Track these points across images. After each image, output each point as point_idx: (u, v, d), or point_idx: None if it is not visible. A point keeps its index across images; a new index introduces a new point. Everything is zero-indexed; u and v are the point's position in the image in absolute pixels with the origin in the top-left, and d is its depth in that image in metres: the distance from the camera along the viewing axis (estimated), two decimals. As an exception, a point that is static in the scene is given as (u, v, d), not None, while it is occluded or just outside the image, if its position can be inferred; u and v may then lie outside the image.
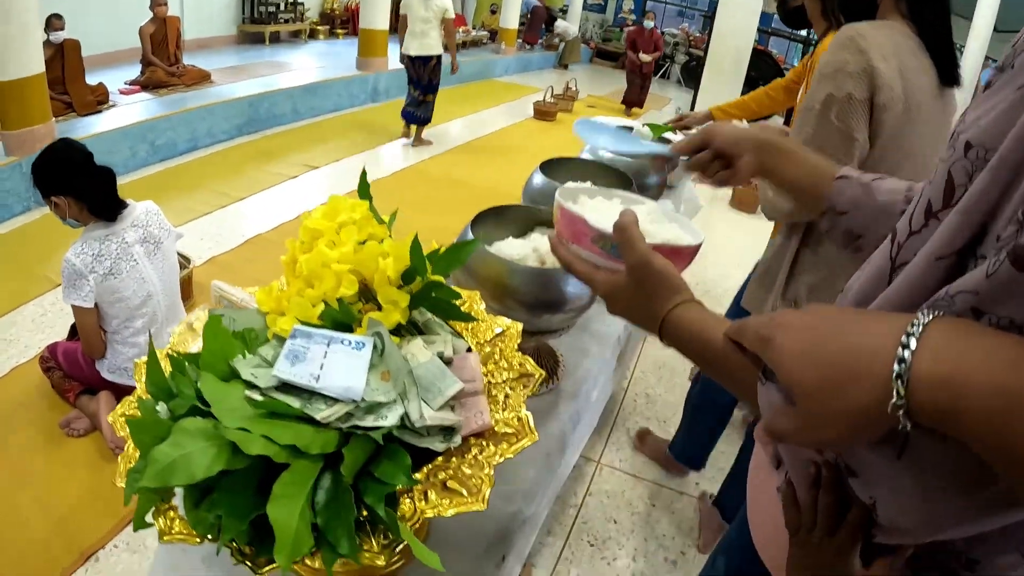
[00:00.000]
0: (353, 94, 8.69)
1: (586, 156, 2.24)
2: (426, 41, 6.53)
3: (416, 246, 0.94)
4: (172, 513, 0.79)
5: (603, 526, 2.59)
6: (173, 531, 0.77)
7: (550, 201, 1.07)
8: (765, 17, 10.48)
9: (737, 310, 2.16)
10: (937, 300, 0.51)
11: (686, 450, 2.71)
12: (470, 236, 1.40)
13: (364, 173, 1.13)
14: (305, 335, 0.84)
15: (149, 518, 0.78)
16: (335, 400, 0.79)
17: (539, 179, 1.89)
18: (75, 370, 2.72)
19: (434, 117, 7.24)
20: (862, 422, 0.48)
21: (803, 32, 12.41)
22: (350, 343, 0.83)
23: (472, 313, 1.08)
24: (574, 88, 10.77)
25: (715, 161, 1.07)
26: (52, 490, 2.45)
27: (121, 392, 2.55)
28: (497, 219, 1.57)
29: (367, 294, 0.97)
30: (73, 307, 2.46)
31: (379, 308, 0.93)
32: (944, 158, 0.60)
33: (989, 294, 0.47)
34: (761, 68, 10.37)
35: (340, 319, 0.90)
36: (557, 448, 1.43)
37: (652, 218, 0.93)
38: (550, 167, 1.99)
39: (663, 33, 15.98)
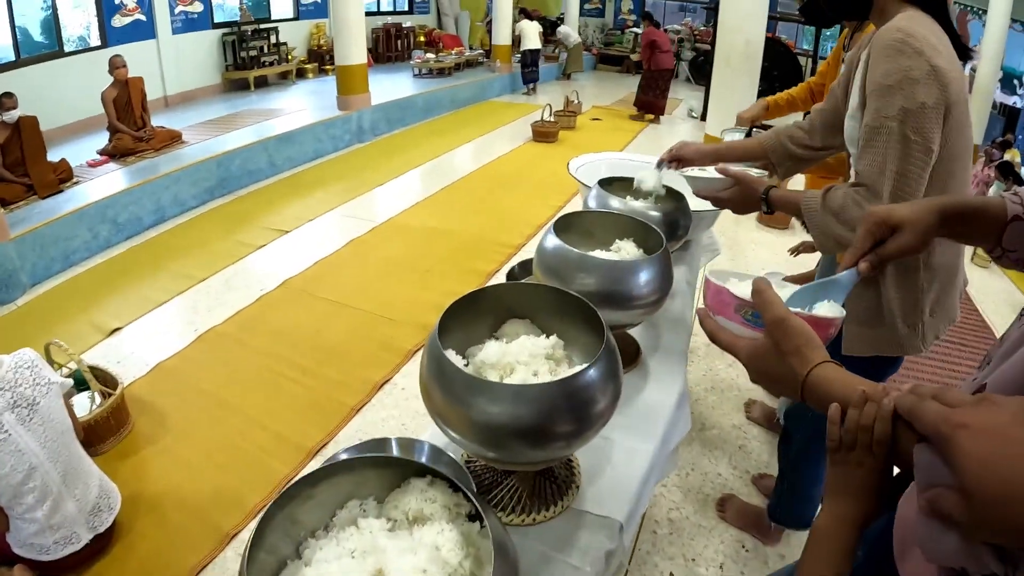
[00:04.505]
0: (336, 136, 8.15)
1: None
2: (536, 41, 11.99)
3: None
4: None
5: None
6: None
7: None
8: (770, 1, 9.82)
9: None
10: None
11: (795, 510, 2.40)
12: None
13: None
14: None
15: None
16: None
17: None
18: None
19: (428, 152, 8.23)
20: None
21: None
22: None
23: None
24: (576, 100, 10.20)
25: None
26: None
27: (35, 567, 2.24)
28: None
29: None
30: None
31: None
32: None
33: None
34: (771, 56, 9.71)
35: None
36: None
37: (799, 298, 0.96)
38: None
39: (666, 30, 15.55)
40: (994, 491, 0.52)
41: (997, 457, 0.52)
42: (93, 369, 3.15)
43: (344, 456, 1.20)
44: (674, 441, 1.69)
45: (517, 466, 1.10)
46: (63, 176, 5.91)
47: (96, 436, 2.94)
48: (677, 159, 1.99)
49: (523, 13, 12.71)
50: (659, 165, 2.02)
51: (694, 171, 2.00)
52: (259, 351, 3.74)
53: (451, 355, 1.09)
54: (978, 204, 1.02)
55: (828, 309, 0.94)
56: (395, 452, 1.24)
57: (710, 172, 1.90)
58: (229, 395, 3.35)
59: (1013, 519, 0.51)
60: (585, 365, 0.99)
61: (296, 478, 0.86)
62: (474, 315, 1.23)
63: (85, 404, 3.04)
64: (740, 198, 1.76)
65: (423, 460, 1.20)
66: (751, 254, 5.30)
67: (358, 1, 8.30)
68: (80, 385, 3.06)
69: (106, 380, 3.18)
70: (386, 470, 0.90)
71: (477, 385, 0.96)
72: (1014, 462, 0.51)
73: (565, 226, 1.62)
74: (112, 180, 6.00)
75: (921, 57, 1.36)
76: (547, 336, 1.17)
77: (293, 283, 4.59)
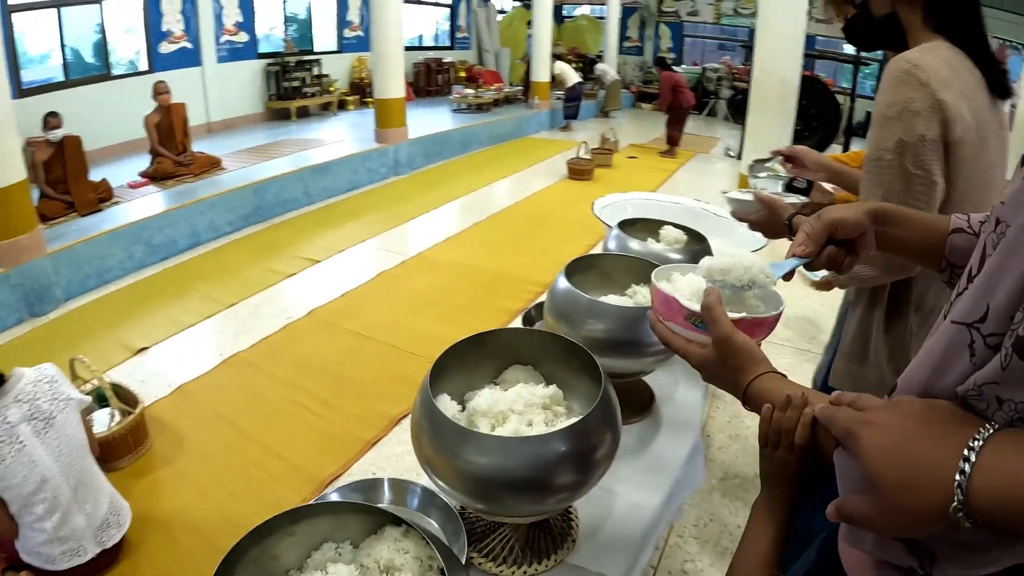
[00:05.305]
0: (372, 169, 8.25)
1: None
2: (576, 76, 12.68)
3: None
4: None
5: None
6: None
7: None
8: (807, 39, 9.79)
9: (824, 389, 1.84)
10: (969, 393, 0.59)
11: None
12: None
13: None
14: None
15: None
16: None
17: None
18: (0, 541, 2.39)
19: (463, 187, 8.28)
20: (929, 518, 0.55)
21: (850, 50, 11.60)
22: None
23: None
24: (612, 139, 10.21)
25: (841, 251, 1.03)
26: None
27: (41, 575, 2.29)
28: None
29: None
30: None
31: None
32: (987, 228, 0.69)
33: (1007, 383, 0.55)
34: (809, 95, 9.66)
35: None
36: None
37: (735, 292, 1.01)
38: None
39: (704, 69, 15.57)
40: (895, 478, 0.57)
41: (896, 446, 0.59)
42: (115, 387, 3.20)
43: (334, 496, 1.19)
44: (682, 495, 1.65)
45: (507, 518, 1.07)
46: (103, 196, 6.07)
47: (113, 453, 2.97)
48: (792, 159, 1.99)
49: (555, 57, 12.89)
50: (772, 156, 2.04)
51: (735, 193, 2.00)
52: (280, 380, 3.75)
53: (445, 400, 1.07)
54: (916, 212, 1.08)
55: (768, 306, 1.03)
56: (387, 493, 1.21)
57: (748, 195, 1.90)
58: (247, 422, 3.36)
59: (915, 505, 0.56)
60: (577, 419, 0.96)
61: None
62: (477, 358, 1.21)
63: (104, 421, 3.07)
64: (767, 222, 1.74)
65: (415, 503, 1.19)
66: (789, 300, 5.17)
67: (397, 36, 8.44)
68: (102, 402, 3.10)
69: (127, 398, 3.20)
70: (365, 516, 0.87)
71: (465, 435, 0.94)
72: (911, 450, 0.58)
73: (582, 269, 1.60)
74: (150, 202, 6.14)
75: (925, 89, 1.34)
76: (547, 384, 1.14)
77: (319, 313, 4.62)
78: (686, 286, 1.05)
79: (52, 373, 2.34)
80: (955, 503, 0.53)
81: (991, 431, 0.55)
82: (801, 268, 1.07)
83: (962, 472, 0.53)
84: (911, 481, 0.56)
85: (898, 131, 1.37)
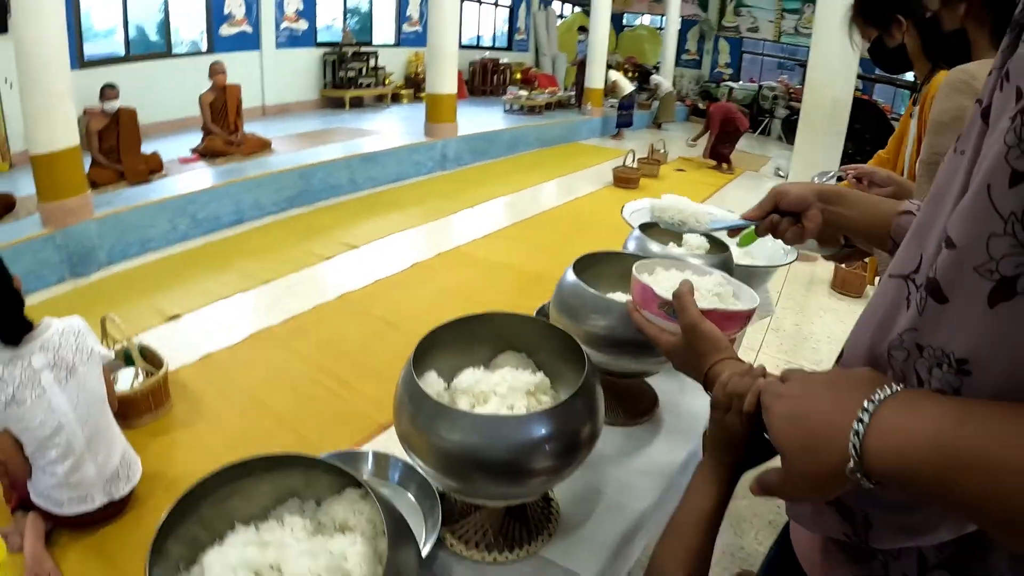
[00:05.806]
0: (419, 162, 8.33)
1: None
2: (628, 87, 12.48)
3: None
4: None
5: None
6: None
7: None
8: (867, 64, 9.54)
9: None
10: (892, 344, 0.60)
11: None
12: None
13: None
14: None
15: None
16: None
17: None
18: (13, 480, 2.49)
19: (507, 186, 8.30)
20: (832, 481, 0.58)
21: (909, 76, 11.34)
22: None
23: None
24: (661, 150, 10.13)
25: (784, 220, 1.08)
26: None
27: (49, 519, 2.41)
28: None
29: None
30: None
31: None
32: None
33: (924, 329, 0.56)
34: (863, 119, 9.49)
35: None
36: None
37: (715, 290, 1.13)
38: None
39: (761, 87, 15.34)
40: (797, 443, 0.61)
41: (798, 412, 0.62)
42: (143, 348, 3.30)
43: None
44: (675, 504, 1.59)
45: (479, 500, 1.07)
46: (153, 168, 6.28)
47: (132, 410, 3.05)
48: (862, 177, 1.99)
49: (609, 66, 12.90)
50: (844, 173, 2.03)
51: None
52: (304, 358, 3.82)
53: (432, 377, 1.08)
54: (867, 196, 1.12)
55: (745, 301, 1.09)
56: (369, 465, 1.23)
57: None
58: (267, 395, 3.43)
59: (816, 468, 0.58)
60: (552, 405, 0.96)
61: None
62: (471, 340, 1.21)
63: (128, 379, 3.17)
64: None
65: (396, 477, 1.20)
66: (818, 321, 5.09)
67: (453, 33, 8.54)
68: (129, 361, 3.21)
69: (153, 360, 3.30)
70: (333, 476, 0.87)
71: (440, 411, 0.94)
72: (811, 415, 0.61)
73: (595, 265, 1.57)
74: (198, 177, 6.32)
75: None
76: (535, 373, 1.14)
77: (351, 297, 4.69)
78: (667, 279, 1.11)
79: (79, 326, 2.43)
80: (851, 464, 0.54)
81: (889, 392, 0.56)
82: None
83: (856, 433, 0.54)
84: (811, 444, 0.59)
85: (952, 137, 1.36)
